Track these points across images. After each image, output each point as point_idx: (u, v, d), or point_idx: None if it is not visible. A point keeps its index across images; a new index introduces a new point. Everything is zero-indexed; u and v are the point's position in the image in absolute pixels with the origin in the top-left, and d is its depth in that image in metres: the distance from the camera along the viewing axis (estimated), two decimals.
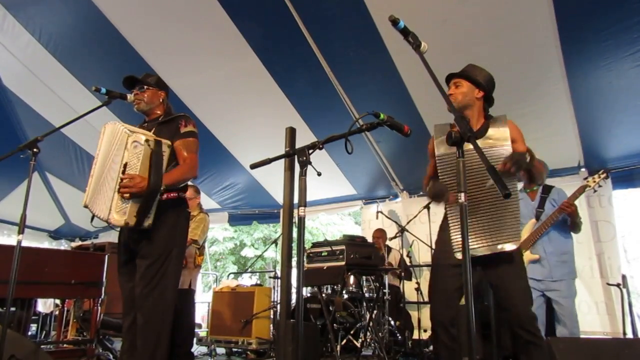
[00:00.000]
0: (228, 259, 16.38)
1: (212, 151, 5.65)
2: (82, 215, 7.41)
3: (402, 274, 4.88)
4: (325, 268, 3.96)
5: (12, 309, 2.79)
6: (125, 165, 2.10)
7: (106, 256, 3.45)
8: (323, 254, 4.08)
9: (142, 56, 4.37)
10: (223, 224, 7.44)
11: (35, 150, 2.20)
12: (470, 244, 1.93)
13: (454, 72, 2.14)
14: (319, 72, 4.27)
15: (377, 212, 5.73)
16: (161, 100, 2.50)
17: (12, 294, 2.01)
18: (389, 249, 5.42)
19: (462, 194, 1.39)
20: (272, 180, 6.31)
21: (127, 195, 2.06)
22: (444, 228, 2.15)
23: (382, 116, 1.65)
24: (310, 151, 1.68)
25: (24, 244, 2.15)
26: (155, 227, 2.17)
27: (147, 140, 2.12)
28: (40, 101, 5.32)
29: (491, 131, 2.02)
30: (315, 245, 4.27)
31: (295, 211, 1.69)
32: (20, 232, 2.10)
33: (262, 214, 7.16)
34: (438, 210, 4.12)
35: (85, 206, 2.19)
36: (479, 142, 1.95)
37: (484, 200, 2.01)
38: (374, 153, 5.44)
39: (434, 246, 2.23)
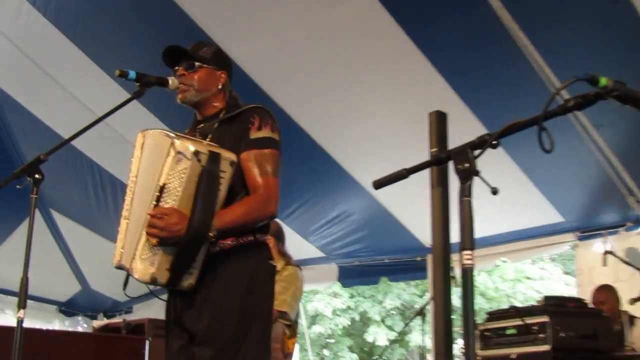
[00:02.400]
0: (342, 343, 12.20)
1: (307, 163, 4.53)
2: (105, 277, 5.88)
3: None
4: (515, 358, 3.11)
5: None
6: (162, 189, 1.80)
7: (147, 342, 3.15)
8: (509, 332, 3.22)
9: (196, 21, 3.64)
10: (329, 283, 5.90)
11: (37, 176, 1.89)
12: None
13: None
14: (486, 15, 3.25)
15: (605, 252, 4.30)
16: (221, 85, 2.12)
17: None
18: (632, 320, 3.83)
19: None
20: (411, 208, 4.73)
21: (154, 240, 1.78)
22: None
23: (603, 81, 1.20)
24: (477, 152, 1.28)
25: (25, 323, 1.87)
26: (218, 291, 1.85)
27: (196, 153, 1.78)
28: (39, 99, 4.58)
29: None
30: (493, 316, 3.45)
31: (456, 258, 1.48)
32: (21, 305, 1.83)
33: (397, 264, 5.50)
34: None
35: (119, 267, 1.92)
36: None
37: None
38: (593, 148, 4.03)
39: None
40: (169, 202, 1.78)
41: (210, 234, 1.81)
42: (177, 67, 2.09)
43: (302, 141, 4.47)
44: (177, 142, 1.78)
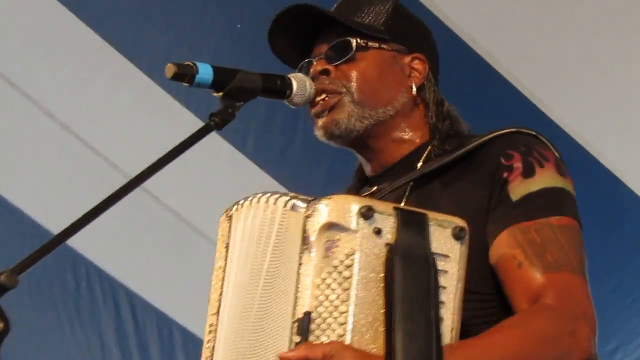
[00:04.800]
0: None
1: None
2: None
3: None
4: None
5: None
6: (303, 320, 1.32)
7: None
8: None
9: None
10: None
11: None
12: None
13: None
14: None
15: None
16: (415, 86, 1.68)
17: None
18: None
19: None
20: None
21: None
22: None
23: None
24: None
25: None
26: None
27: (367, 213, 1.37)
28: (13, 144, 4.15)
29: None
30: None
31: None
32: None
33: None
34: None
35: None
36: None
37: None
38: None
39: None
40: (327, 332, 1.35)
41: None
42: (309, 59, 1.70)
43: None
44: (317, 212, 1.35)
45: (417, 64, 1.63)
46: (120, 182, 1.53)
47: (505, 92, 3.76)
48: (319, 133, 1.58)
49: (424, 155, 1.59)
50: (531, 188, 1.49)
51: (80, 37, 4.03)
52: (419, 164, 1.59)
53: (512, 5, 3.71)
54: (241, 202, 1.51)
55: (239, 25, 3.74)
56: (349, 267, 1.27)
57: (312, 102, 1.59)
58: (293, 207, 1.35)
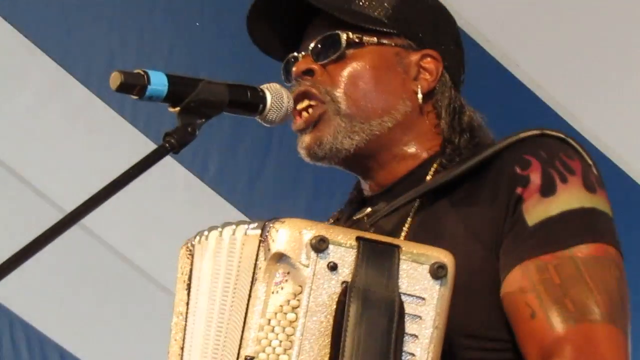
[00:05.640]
0: None
1: None
2: None
3: None
4: None
5: None
6: None
7: None
8: None
9: None
10: None
11: None
12: None
13: None
14: None
15: None
16: (421, 92, 1.68)
17: None
18: None
19: None
20: None
21: None
22: None
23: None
24: None
25: None
26: None
27: (318, 245, 1.42)
28: None
29: None
30: None
31: None
32: None
33: None
34: None
35: None
36: None
37: None
38: None
39: None
40: None
41: None
42: (294, 54, 1.73)
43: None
44: (275, 233, 1.42)
45: (427, 63, 1.61)
46: (53, 217, 1.49)
47: (529, 99, 3.87)
48: (301, 153, 1.59)
49: (432, 170, 1.59)
50: (551, 211, 1.45)
51: (3, 39, 4.03)
52: (429, 176, 1.60)
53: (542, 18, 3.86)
54: (205, 233, 1.50)
55: (197, 24, 3.73)
56: (295, 308, 1.32)
57: (292, 114, 1.59)
58: (246, 232, 1.40)
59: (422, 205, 1.56)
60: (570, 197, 1.45)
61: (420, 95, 1.59)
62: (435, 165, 1.59)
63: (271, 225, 1.36)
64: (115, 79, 1.37)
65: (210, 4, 3.65)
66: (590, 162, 1.54)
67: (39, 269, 3.93)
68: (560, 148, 1.50)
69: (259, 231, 1.38)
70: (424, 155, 1.61)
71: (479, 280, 1.45)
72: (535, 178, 1.45)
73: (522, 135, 1.52)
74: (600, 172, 1.56)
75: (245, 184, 3.92)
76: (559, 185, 1.45)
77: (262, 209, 3.80)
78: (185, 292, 1.57)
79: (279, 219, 1.40)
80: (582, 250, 1.42)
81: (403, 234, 1.55)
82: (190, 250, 1.58)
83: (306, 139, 1.59)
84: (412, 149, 1.62)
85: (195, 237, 1.55)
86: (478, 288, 1.46)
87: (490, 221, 1.47)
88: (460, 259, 1.36)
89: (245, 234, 1.44)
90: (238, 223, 1.48)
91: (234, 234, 1.47)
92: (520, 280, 1.43)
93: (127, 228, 4.31)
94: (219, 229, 1.51)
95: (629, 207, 2.93)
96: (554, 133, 1.54)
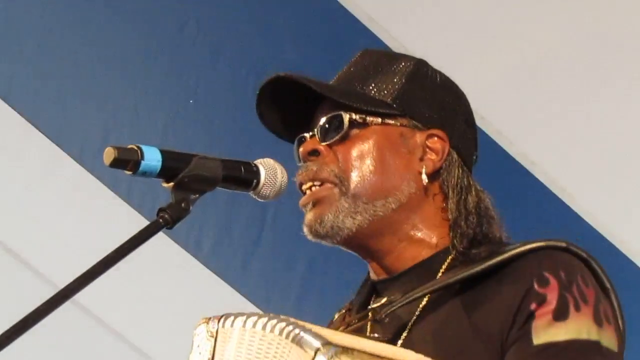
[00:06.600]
0: None
1: None
2: None
3: None
4: None
5: None
6: None
7: None
8: None
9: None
10: None
11: None
12: None
13: None
14: None
15: None
16: (425, 173, 1.66)
17: None
18: None
19: None
20: None
21: None
22: None
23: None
24: None
25: None
26: None
27: None
28: None
29: None
30: None
31: None
32: None
33: None
34: None
35: None
36: None
37: None
38: None
39: None
40: None
41: None
42: (303, 134, 1.74)
43: None
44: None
45: (433, 143, 1.60)
46: (46, 294, 1.49)
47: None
48: (305, 230, 1.59)
49: (447, 262, 1.57)
50: (558, 336, 1.44)
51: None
52: (440, 273, 1.57)
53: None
54: (230, 320, 1.45)
55: (191, 101, 3.74)
56: None
57: (300, 189, 1.62)
58: (300, 342, 1.31)
59: (432, 300, 1.56)
60: (579, 327, 1.44)
61: (424, 176, 1.59)
62: (449, 259, 1.58)
63: (338, 351, 1.30)
64: (109, 154, 1.37)
65: (204, 81, 3.70)
66: (608, 285, 1.55)
67: (32, 347, 3.87)
68: (580, 271, 1.50)
69: (314, 349, 1.31)
70: (434, 241, 1.61)
71: None
72: (552, 299, 1.44)
73: (545, 244, 1.52)
74: (619, 299, 1.57)
75: (240, 262, 3.90)
76: (571, 312, 1.44)
77: (256, 287, 3.83)
78: None
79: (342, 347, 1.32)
80: None
81: (407, 330, 1.56)
82: (214, 336, 1.50)
83: (309, 215, 1.59)
84: (419, 234, 1.62)
85: (213, 320, 1.49)
86: None
87: (500, 327, 1.47)
88: None
89: (295, 341, 1.36)
90: (270, 317, 1.41)
91: (268, 329, 1.39)
92: None
93: (121, 305, 4.33)
94: (247, 320, 1.43)
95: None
96: (578, 251, 1.53)
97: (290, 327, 1.33)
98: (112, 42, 4.10)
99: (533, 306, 1.41)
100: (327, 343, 1.28)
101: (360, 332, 1.55)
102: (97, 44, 4.12)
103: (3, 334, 1.31)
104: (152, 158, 1.39)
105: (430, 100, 1.66)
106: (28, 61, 4.16)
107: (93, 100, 4.12)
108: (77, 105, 4.12)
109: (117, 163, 1.38)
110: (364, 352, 1.30)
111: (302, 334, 1.32)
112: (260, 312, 1.54)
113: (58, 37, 4.16)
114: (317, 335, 1.32)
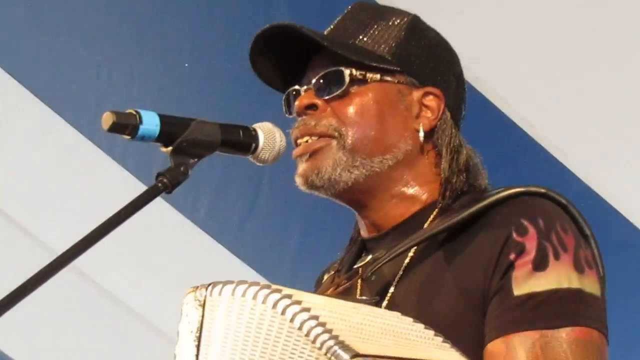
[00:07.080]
0: None
1: None
2: None
3: None
4: None
5: None
6: None
7: None
8: None
9: None
10: None
11: None
12: None
13: None
14: None
15: None
16: (422, 130, 1.64)
17: None
18: None
19: None
20: None
21: None
22: None
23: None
24: None
25: None
26: None
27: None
28: None
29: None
30: None
31: None
32: None
33: None
34: None
35: None
36: None
37: None
38: None
39: None
40: None
41: None
42: (296, 87, 1.69)
43: None
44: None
45: (429, 101, 1.60)
46: (44, 259, 1.47)
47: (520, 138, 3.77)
48: (298, 181, 1.58)
49: (431, 216, 1.57)
50: (539, 286, 1.45)
51: None
52: (426, 224, 1.57)
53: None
54: (217, 288, 1.40)
55: (187, 64, 3.74)
56: None
57: (295, 143, 1.59)
58: (303, 330, 1.21)
59: (418, 253, 1.56)
60: (559, 276, 1.44)
61: (422, 134, 1.59)
62: (434, 213, 1.59)
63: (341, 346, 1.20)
64: (107, 119, 1.35)
65: (200, 45, 3.68)
66: (587, 232, 1.54)
67: (31, 312, 3.88)
68: (559, 218, 1.49)
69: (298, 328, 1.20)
70: (423, 198, 1.61)
71: (465, 344, 1.39)
72: (531, 249, 1.44)
73: (524, 190, 1.52)
74: (598, 244, 1.55)
75: (235, 225, 3.91)
76: (551, 262, 1.44)
77: (252, 249, 3.81)
78: (194, 344, 1.46)
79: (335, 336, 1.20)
80: (566, 334, 1.42)
81: (393, 287, 1.55)
82: (202, 304, 1.45)
83: (304, 165, 1.58)
84: (410, 190, 1.61)
85: (201, 288, 1.43)
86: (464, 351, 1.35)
87: (482, 280, 1.47)
88: (450, 321, 1.40)
89: (298, 327, 1.22)
90: (262, 287, 1.34)
91: (257, 300, 1.29)
92: (505, 355, 1.43)
93: (119, 269, 4.27)
94: (236, 288, 1.36)
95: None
96: (557, 197, 1.53)
97: (286, 301, 1.29)
98: (106, 6, 4.05)
99: (512, 256, 1.41)
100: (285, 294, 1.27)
101: (349, 292, 1.57)
102: (91, 7, 4.07)
103: (2, 300, 1.29)
104: (151, 122, 1.38)
105: (426, 57, 1.65)
106: (23, 26, 4.12)
107: (88, 64, 4.09)
108: (72, 70, 4.10)
109: (115, 128, 1.36)
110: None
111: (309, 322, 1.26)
112: (251, 281, 1.41)
113: (53, 2, 4.12)
114: (309, 314, 1.28)
